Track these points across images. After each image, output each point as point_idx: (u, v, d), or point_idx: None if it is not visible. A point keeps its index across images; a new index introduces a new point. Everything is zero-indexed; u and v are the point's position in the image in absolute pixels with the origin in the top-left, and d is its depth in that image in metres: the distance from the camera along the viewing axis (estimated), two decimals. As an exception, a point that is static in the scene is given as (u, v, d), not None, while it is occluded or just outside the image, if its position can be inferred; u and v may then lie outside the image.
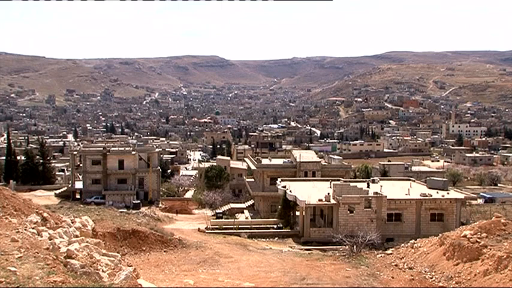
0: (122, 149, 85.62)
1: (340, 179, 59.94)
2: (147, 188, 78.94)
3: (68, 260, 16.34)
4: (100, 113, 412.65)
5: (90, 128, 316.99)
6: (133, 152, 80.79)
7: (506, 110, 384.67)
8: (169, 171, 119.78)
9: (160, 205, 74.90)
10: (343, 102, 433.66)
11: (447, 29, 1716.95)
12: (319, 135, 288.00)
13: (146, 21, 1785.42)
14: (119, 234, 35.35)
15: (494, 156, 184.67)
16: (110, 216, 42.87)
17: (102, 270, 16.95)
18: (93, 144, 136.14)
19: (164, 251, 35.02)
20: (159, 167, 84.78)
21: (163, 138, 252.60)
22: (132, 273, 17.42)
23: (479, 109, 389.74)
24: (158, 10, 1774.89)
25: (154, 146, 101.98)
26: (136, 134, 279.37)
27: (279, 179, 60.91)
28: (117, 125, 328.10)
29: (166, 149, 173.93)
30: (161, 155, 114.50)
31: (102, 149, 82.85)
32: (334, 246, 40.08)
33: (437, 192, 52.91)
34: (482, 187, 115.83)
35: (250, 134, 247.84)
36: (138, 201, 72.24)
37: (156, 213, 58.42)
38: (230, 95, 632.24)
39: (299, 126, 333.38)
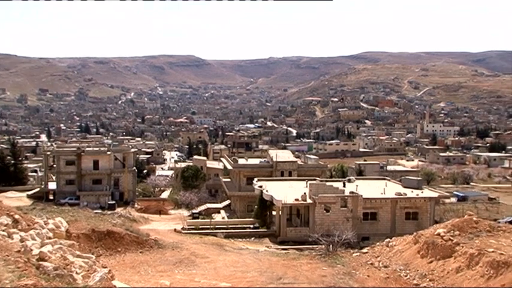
0: (97, 149, 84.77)
1: (317, 178, 60.20)
2: (122, 188, 78.23)
3: (41, 262, 16.02)
4: (74, 113, 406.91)
5: (64, 128, 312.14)
6: (108, 152, 79.97)
7: (478, 110, 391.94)
8: (145, 171, 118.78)
9: (136, 205, 74.34)
10: (319, 102, 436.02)
11: (421, 30, 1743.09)
12: (295, 135, 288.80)
13: (121, 20, 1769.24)
14: (93, 235, 34.88)
15: (467, 155, 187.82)
16: (84, 217, 42.27)
17: (76, 272, 16.67)
18: (67, 144, 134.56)
19: (140, 252, 34.68)
20: (134, 167, 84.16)
21: (139, 138, 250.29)
22: (107, 275, 17.18)
23: (452, 109, 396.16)
24: (134, 9, 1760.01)
25: (130, 146, 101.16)
26: (111, 134, 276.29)
27: (256, 179, 60.89)
28: (92, 125, 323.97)
29: (142, 149, 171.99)
30: (137, 155, 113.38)
31: (76, 149, 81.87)
32: (311, 246, 40.22)
33: (412, 191, 53.57)
34: (455, 186, 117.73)
35: (226, 133, 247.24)
36: (114, 202, 71.59)
37: (132, 214, 57.87)
38: (206, 95, 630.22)
39: (275, 126, 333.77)
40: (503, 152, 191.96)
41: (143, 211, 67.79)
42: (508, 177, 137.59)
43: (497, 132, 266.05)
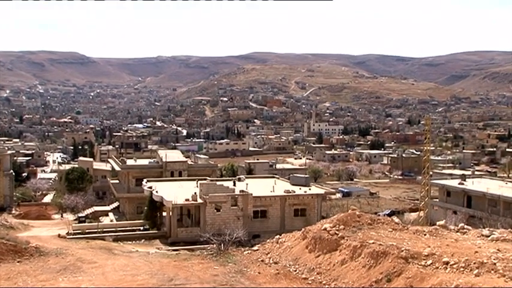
0: (-35, 151, 78.13)
1: (207, 178, 60.24)
2: (-3, 193, 72.86)
3: None
4: None
5: None
6: (-20, 155, 74.05)
7: (360, 109, 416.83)
8: (24, 174, 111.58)
9: (13, 212, 69.66)
10: (208, 102, 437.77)
11: (307, 32, 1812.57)
12: (185, 134, 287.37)
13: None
14: (-40, 248, 31.87)
15: (351, 153, 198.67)
16: (-50, 228, 38.62)
17: None
18: None
19: (18, 262, 32.23)
20: (11, 171, 78.88)
21: (17, 140, 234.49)
22: (-21, 289, 15.72)
23: (336, 109, 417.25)
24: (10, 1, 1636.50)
25: (6, 148, 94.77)
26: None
27: (145, 180, 59.72)
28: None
29: (21, 151, 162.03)
30: (14, 158, 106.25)
31: None
32: (202, 246, 40.05)
33: (300, 189, 55.36)
34: (340, 182, 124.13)
35: (114, 134, 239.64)
36: (-13, 209, 66.44)
37: (9, 221, 53.88)
38: (92, 94, 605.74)
39: (165, 125, 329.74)
40: (382, 149, 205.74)
41: (22, 217, 63.68)
42: (387, 173, 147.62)
43: (376, 130, 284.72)
